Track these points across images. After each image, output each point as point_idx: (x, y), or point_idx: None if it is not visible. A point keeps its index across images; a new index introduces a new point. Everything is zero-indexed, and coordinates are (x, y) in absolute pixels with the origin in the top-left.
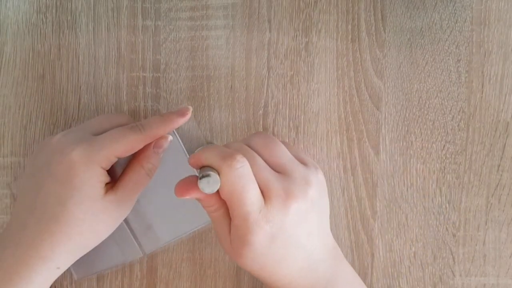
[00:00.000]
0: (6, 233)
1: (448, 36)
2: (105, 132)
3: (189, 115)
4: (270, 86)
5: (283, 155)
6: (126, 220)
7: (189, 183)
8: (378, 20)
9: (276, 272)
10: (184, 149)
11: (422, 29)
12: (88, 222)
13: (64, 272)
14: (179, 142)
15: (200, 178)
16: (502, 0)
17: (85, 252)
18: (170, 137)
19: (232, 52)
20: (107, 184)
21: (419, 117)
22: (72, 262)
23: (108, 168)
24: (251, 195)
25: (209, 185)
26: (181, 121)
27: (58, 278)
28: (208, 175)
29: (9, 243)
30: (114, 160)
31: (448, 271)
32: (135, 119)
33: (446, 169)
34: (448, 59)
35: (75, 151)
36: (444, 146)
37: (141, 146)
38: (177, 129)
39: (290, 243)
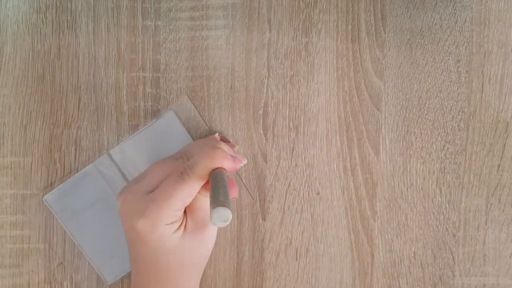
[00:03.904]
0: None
1: (448, 36)
2: (159, 184)
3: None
4: (270, 86)
5: None
6: None
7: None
8: (378, 20)
9: None
10: (186, 131)
11: (422, 29)
12: (187, 257)
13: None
14: (183, 127)
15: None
16: (502, 0)
17: (202, 271)
18: (244, 162)
19: (232, 52)
20: (183, 221)
21: (419, 117)
22: None
23: (178, 218)
24: None
25: (221, 218)
26: (230, 156)
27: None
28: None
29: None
30: (179, 211)
31: (448, 271)
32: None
33: (446, 169)
34: (448, 59)
35: (138, 222)
36: (444, 146)
37: (197, 190)
38: (182, 119)
39: None
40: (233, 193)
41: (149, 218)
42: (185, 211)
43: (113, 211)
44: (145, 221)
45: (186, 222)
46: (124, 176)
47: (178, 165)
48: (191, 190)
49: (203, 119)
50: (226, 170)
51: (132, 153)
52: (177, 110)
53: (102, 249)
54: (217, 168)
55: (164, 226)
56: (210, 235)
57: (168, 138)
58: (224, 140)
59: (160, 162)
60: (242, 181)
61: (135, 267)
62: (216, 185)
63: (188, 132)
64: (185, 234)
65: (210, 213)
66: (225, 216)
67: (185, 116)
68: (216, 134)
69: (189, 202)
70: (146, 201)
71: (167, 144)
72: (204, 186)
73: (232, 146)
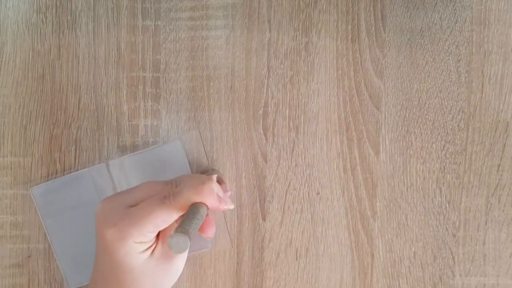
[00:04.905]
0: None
1: (448, 36)
2: (141, 202)
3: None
4: (270, 86)
5: None
6: None
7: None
8: (378, 20)
9: None
10: (188, 165)
11: (422, 29)
12: (145, 282)
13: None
14: (186, 160)
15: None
16: (502, 0)
17: None
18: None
19: (232, 52)
20: (153, 244)
21: (419, 117)
22: None
23: (148, 239)
24: None
25: (178, 245)
26: (215, 193)
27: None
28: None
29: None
30: (151, 233)
31: (448, 271)
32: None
33: (446, 169)
34: (448, 59)
35: (108, 230)
36: (444, 146)
37: (174, 219)
38: (186, 150)
39: None
40: (209, 232)
41: (120, 230)
42: (159, 236)
43: (93, 219)
44: (115, 232)
45: (155, 247)
46: (115, 189)
47: (165, 189)
48: (168, 217)
49: (206, 157)
50: (208, 207)
51: (130, 170)
52: (185, 141)
53: (72, 253)
54: (200, 202)
55: (132, 243)
56: (175, 268)
57: (168, 165)
58: (219, 181)
59: (151, 182)
60: (227, 228)
61: (95, 276)
62: (190, 215)
63: (190, 163)
64: (151, 258)
65: (170, 236)
66: (183, 244)
67: (190, 148)
68: (214, 176)
69: (163, 227)
70: (122, 213)
71: (165, 171)
72: (182, 216)
73: (225, 190)
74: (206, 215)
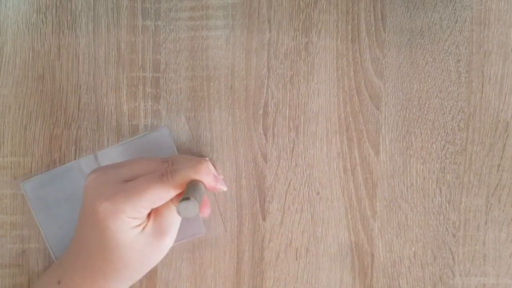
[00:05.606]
0: (67, 258)
1: (448, 36)
2: (136, 177)
3: (222, 178)
4: (270, 86)
5: None
6: None
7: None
8: (378, 20)
9: None
10: (176, 151)
11: (422, 29)
12: (132, 258)
13: None
14: (173, 146)
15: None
16: (502, 0)
17: (135, 281)
18: (225, 188)
19: (232, 52)
20: (145, 221)
21: (419, 117)
22: None
23: (141, 216)
24: None
25: (187, 210)
26: (213, 174)
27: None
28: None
29: (69, 267)
30: (145, 210)
31: (448, 271)
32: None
33: (446, 169)
34: (448, 59)
35: (101, 204)
36: (444, 146)
37: (171, 196)
38: (175, 138)
39: None
40: (205, 212)
41: (114, 205)
42: (150, 214)
43: None
44: (108, 206)
45: (147, 224)
46: None
47: (162, 167)
48: (164, 194)
49: (194, 141)
50: (205, 186)
51: (118, 159)
52: (173, 129)
53: (66, 245)
54: (198, 180)
55: (125, 218)
56: (164, 245)
57: (156, 153)
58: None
59: (146, 158)
60: (220, 212)
61: (74, 250)
62: (192, 187)
63: (178, 152)
64: (141, 234)
65: (179, 202)
66: (192, 208)
67: (179, 135)
68: (207, 158)
69: (158, 205)
70: (117, 188)
71: None
72: (178, 196)
73: (218, 174)
74: None
